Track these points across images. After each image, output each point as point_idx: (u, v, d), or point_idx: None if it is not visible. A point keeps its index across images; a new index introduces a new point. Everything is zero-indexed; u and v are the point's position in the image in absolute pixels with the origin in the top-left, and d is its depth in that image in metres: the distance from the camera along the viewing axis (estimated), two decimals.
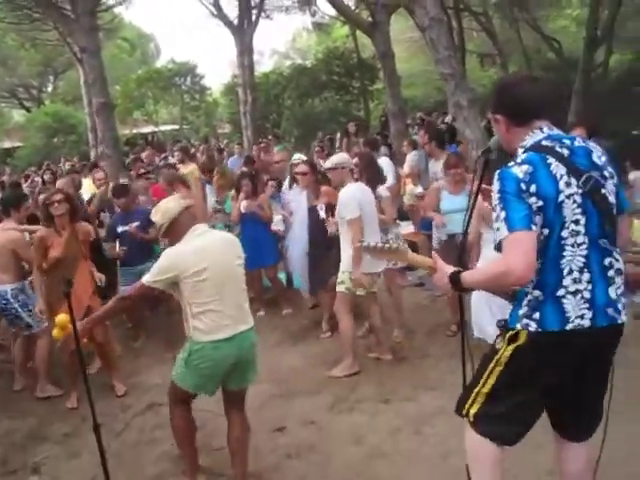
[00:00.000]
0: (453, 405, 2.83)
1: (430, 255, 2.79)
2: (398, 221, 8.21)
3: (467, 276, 2.55)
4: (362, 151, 7.33)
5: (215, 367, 3.68)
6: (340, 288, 5.50)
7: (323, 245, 6.27)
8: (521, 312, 2.53)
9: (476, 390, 2.66)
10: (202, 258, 3.59)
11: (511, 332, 2.56)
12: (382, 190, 5.97)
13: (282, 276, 7.79)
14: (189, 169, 9.60)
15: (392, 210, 6.16)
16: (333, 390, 5.20)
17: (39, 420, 5.29)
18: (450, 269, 2.62)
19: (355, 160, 6.05)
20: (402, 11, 17.60)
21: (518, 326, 2.53)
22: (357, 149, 9.42)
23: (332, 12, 21.05)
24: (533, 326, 2.48)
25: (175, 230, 3.72)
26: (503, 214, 2.38)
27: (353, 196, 5.39)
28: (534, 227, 2.36)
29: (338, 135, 17.26)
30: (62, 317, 3.76)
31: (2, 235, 5.77)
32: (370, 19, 16.11)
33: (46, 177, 11.52)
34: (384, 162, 8.08)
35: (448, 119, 11.67)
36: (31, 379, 5.89)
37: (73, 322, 3.63)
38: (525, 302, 2.52)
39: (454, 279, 2.57)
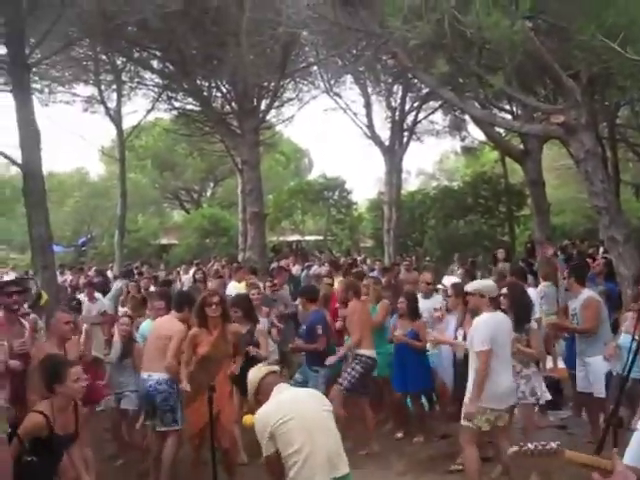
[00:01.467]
0: None
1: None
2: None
3: None
4: (513, 282, 7.08)
5: None
6: (464, 422, 5.29)
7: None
8: None
9: None
10: (287, 409, 3.71)
11: None
12: (533, 323, 5.77)
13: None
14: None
15: (538, 344, 5.89)
16: None
17: None
18: (633, 477, 2.03)
19: (504, 290, 5.95)
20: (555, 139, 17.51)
21: None
22: (500, 276, 9.22)
23: (482, 137, 21.32)
24: None
25: (261, 393, 4.00)
26: None
27: (487, 326, 5.25)
28: None
29: (480, 258, 17.04)
30: (248, 418, 3.99)
31: (170, 325, 6.04)
32: (521, 146, 16.15)
33: (197, 276, 12.21)
34: (530, 293, 7.78)
35: (601, 251, 11.22)
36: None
37: (211, 423, 3.76)
38: None
39: None
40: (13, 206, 30.27)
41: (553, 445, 2.28)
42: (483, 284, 5.78)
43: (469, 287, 5.79)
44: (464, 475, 5.89)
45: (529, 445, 2.34)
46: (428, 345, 7.06)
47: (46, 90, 18.92)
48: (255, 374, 4.11)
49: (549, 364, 8.73)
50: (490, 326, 5.25)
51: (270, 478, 3.78)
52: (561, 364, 8.48)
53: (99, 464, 6.08)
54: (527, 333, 5.68)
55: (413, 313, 7.13)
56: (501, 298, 5.90)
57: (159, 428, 6.04)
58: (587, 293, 6.55)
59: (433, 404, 7.51)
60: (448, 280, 8.03)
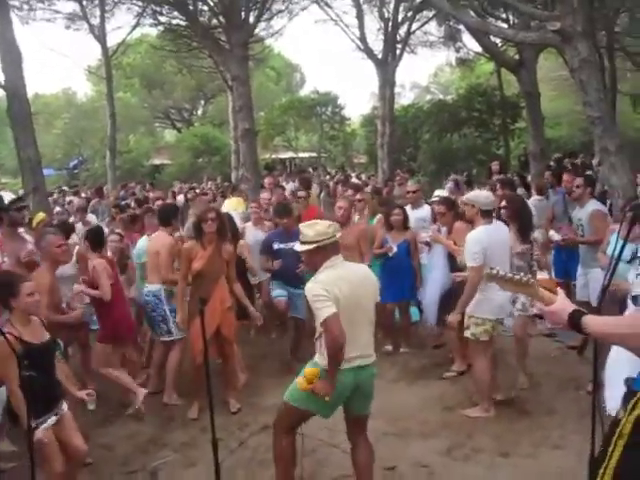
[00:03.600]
0: (578, 467, 2.64)
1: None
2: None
3: (593, 323, 2.23)
4: (512, 194, 7.06)
5: (334, 393, 3.72)
6: (466, 333, 5.40)
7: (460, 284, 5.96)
8: None
9: (604, 464, 2.29)
10: (345, 289, 3.65)
11: (634, 398, 2.22)
12: (537, 233, 5.84)
13: (413, 311, 7.62)
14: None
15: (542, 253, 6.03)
16: (449, 435, 5.05)
17: (162, 426, 5.56)
18: (571, 307, 2.32)
19: (504, 203, 5.99)
20: (552, 49, 17.11)
21: None
22: (494, 189, 9.23)
23: (477, 48, 20.80)
24: None
25: (318, 254, 3.77)
26: None
27: (478, 241, 5.19)
28: None
29: (474, 172, 17.00)
30: (312, 370, 3.78)
31: (157, 240, 6.23)
32: (517, 57, 15.80)
33: (190, 196, 12.20)
34: None
35: (595, 163, 11.18)
36: (162, 384, 6.15)
37: (204, 337, 3.82)
38: None
39: (575, 320, 2.26)
40: (3, 129, 29.75)
41: (524, 277, 2.47)
42: (476, 194, 5.71)
43: (464, 197, 5.80)
44: (455, 381, 6.11)
45: (500, 271, 2.53)
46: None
47: (25, 7, 18.26)
48: (329, 232, 3.75)
49: (541, 274, 8.85)
50: (481, 241, 5.19)
51: (333, 342, 3.57)
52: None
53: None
54: (534, 242, 5.75)
55: (405, 224, 7.16)
56: (502, 211, 5.94)
57: (155, 338, 6.32)
58: (594, 204, 6.49)
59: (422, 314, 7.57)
60: (439, 193, 7.97)
